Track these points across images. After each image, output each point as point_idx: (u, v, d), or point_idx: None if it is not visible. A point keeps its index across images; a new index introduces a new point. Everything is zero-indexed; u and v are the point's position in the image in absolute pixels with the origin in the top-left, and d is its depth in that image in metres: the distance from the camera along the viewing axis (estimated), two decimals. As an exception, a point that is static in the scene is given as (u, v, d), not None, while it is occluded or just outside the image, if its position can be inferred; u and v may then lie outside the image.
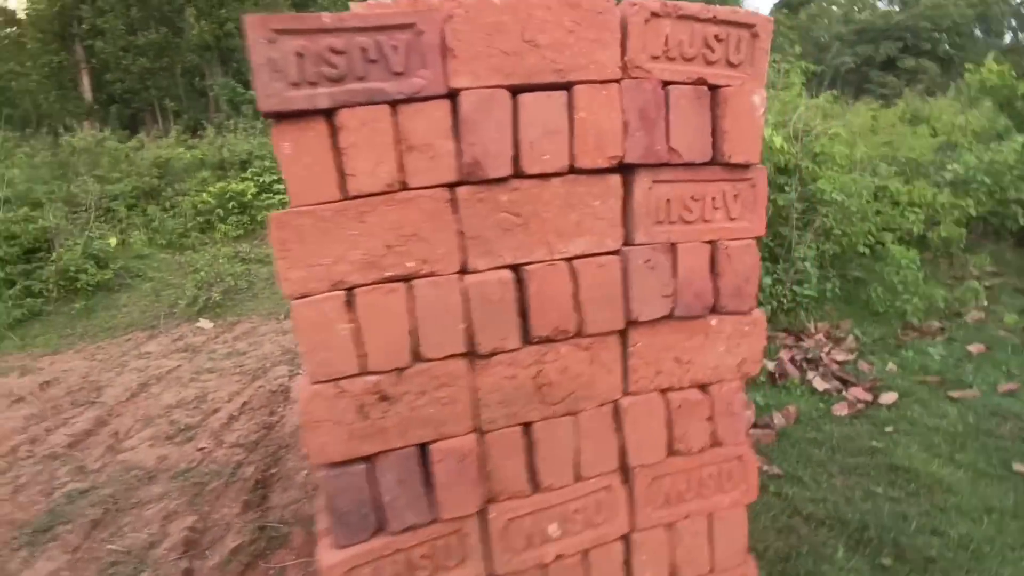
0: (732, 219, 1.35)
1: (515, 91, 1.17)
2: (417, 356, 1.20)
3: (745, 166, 1.33)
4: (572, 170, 1.22)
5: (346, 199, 1.13)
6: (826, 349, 4.21)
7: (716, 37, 1.27)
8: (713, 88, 1.29)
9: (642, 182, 1.27)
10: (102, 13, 17.72)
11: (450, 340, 1.20)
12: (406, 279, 1.18)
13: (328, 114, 1.11)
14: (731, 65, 1.29)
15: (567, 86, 1.19)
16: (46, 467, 3.33)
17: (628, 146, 1.24)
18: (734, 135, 1.30)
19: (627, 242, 1.30)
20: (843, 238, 4.72)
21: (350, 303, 1.14)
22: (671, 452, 1.40)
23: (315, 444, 1.15)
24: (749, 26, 1.29)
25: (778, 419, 3.38)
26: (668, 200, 1.29)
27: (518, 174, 1.20)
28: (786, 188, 4.55)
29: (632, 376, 1.34)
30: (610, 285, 1.27)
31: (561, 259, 1.25)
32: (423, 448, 1.23)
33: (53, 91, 18.96)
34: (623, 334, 1.33)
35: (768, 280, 4.48)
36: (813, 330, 4.52)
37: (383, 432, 1.19)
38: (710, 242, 1.34)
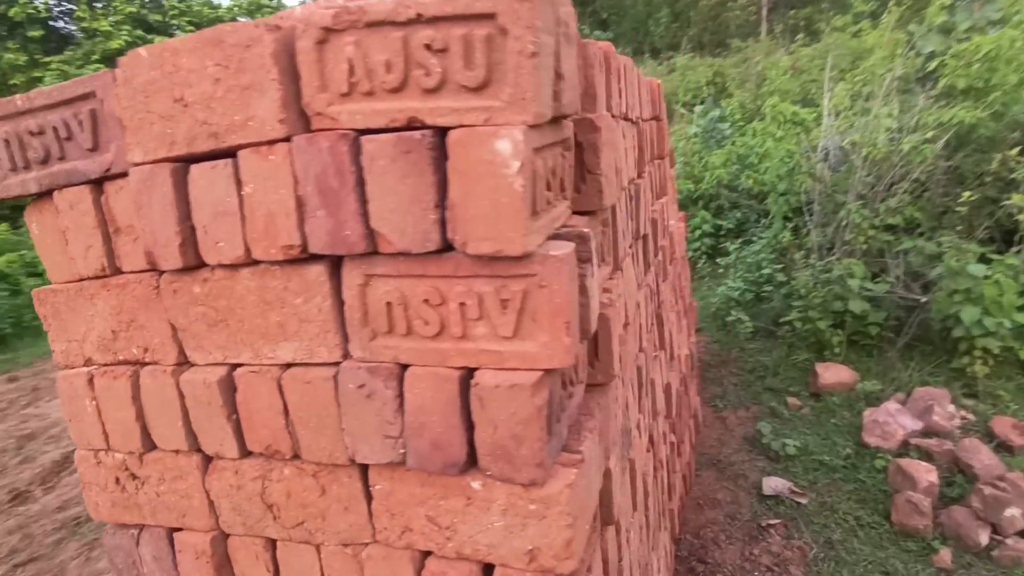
0: (504, 338, 0.83)
1: (191, 162, 0.93)
2: (154, 444, 1.14)
3: (515, 258, 0.79)
4: (255, 260, 0.93)
5: (82, 280, 1.11)
6: None
7: (429, 47, 0.74)
8: (445, 132, 0.78)
9: (350, 277, 0.88)
10: None
11: (174, 435, 1.09)
12: (139, 364, 1.11)
13: (60, 194, 1.08)
14: (468, 90, 0.75)
15: (233, 153, 0.89)
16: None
17: (309, 230, 0.86)
18: (466, 209, 0.77)
19: (348, 355, 0.94)
20: None
21: (92, 382, 1.14)
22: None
23: (90, 501, 1.23)
24: (486, 17, 0.71)
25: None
26: (389, 304, 0.87)
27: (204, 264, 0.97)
28: None
29: (376, 523, 1.00)
30: (322, 407, 0.95)
31: (272, 365, 0.99)
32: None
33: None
34: (365, 468, 1.00)
35: None
36: None
37: (139, 507, 1.18)
38: (463, 369, 0.86)
